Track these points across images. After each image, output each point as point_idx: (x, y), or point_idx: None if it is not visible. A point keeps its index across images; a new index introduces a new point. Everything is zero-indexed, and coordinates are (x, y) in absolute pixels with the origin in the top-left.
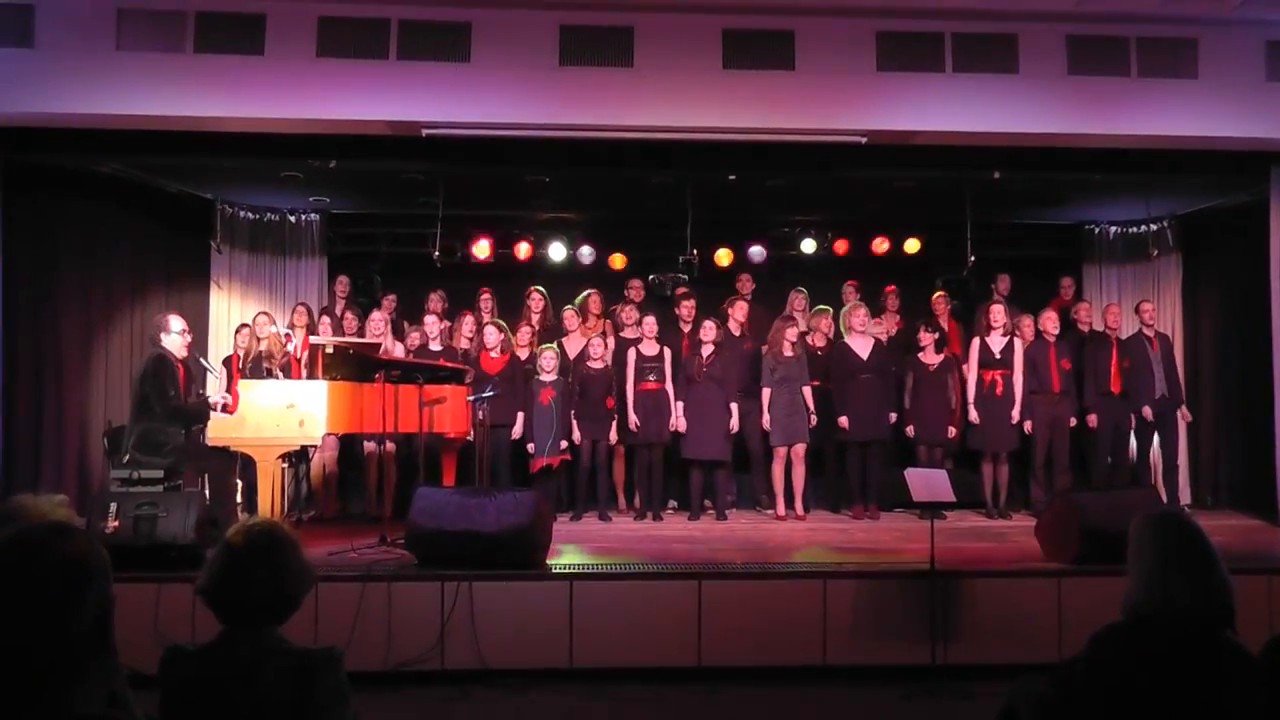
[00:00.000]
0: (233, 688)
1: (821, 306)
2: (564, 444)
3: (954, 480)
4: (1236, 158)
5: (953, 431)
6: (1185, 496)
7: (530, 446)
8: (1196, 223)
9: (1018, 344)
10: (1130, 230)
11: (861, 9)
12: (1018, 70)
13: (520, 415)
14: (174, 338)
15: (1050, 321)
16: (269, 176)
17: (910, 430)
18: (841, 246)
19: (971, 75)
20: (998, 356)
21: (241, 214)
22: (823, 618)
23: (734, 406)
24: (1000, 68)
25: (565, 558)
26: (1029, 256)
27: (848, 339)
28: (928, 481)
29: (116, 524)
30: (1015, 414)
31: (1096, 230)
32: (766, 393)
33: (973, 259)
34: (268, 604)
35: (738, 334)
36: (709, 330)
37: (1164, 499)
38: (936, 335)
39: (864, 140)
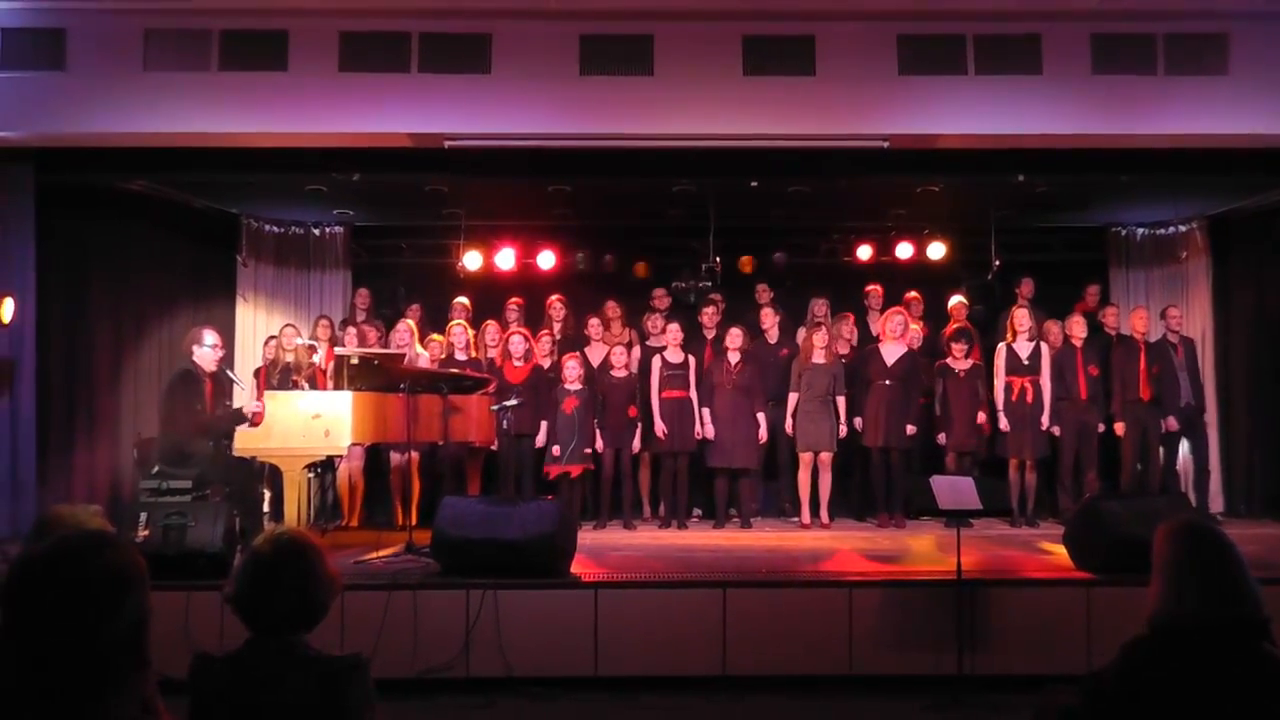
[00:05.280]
0: (261, 695)
1: (843, 313)
2: (586, 451)
3: (980, 488)
4: (1269, 155)
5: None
6: (1218, 505)
7: (555, 449)
8: (1227, 223)
9: (1044, 348)
10: (1158, 232)
11: (882, 13)
12: (1041, 71)
13: (544, 424)
14: (206, 351)
15: (1077, 326)
16: (294, 190)
17: (941, 438)
18: (865, 252)
19: (994, 77)
20: (1025, 363)
21: (267, 228)
22: (848, 627)
23: (762, 416)
24: (1023, 69)
25: (590, 566)
26: (1055, 260)
27: (880, 345)
28: (954, 489)
29: (146, 533)
30: (1045, 420)
31: (1123, 232)
32: (793, 398)
33: (998, 263)
34: (294, 612)
35: (774, 342)
36: (735, 338)
37: (1195, 507)
38: (966, 345)
39: (886, 145)
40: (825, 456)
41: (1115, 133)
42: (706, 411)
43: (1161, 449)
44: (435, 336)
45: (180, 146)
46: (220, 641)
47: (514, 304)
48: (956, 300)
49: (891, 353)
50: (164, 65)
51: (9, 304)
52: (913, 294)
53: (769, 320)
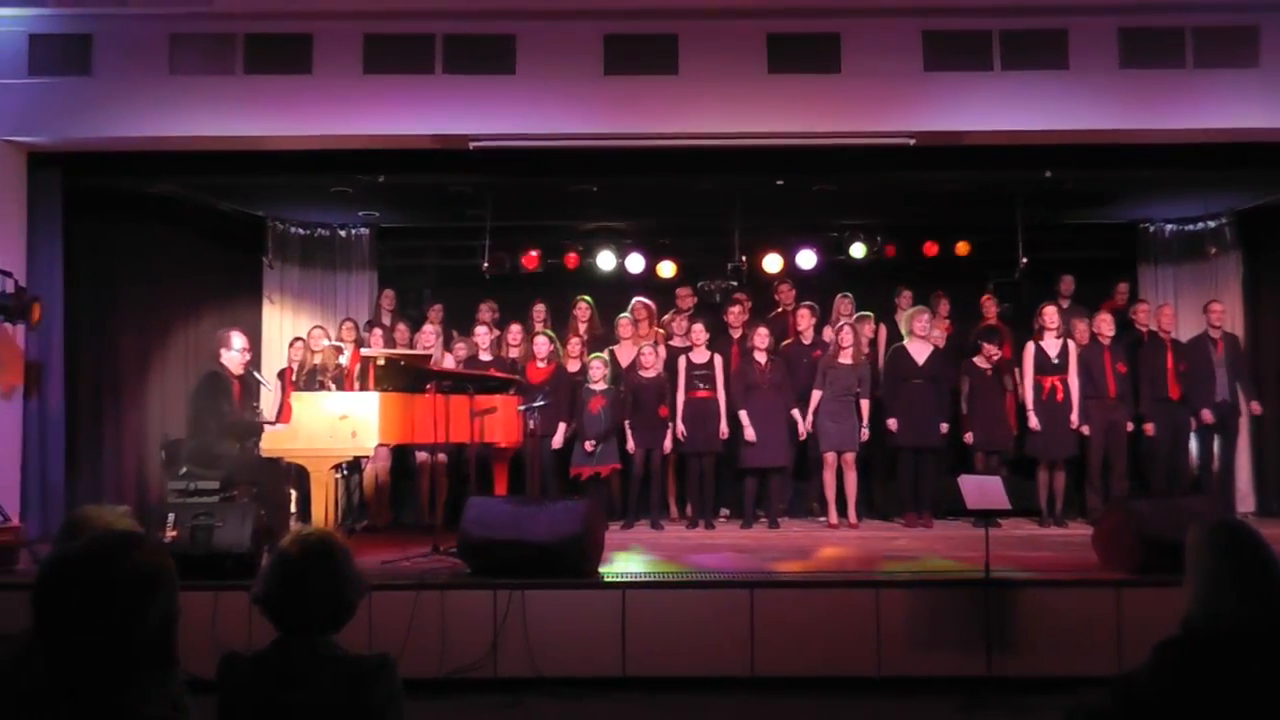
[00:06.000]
0: (288, 694)
1: (864, 313)
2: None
3: (1009, 487)
4: None
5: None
6: (1250, 504)
7: (588, 444)
8: (1257, 218)
9: (1072, 346)
10: (1187, 228)
11: (907, 9)
12: (1068, 66)
13: (562, 425)
14: (233, 354)
15: (1105, 324)
16: (319, 192)
17: (968, 437)
18: (891, 250)
19: (1021, 73)
20: (1055, 361)
21: (292, 230)
22: (876, 628)
23: (796, 412)
24: (1050, 64)
25: (617, 566)
26: (1082, 258)
27: (907, 343)
28: (982, 489)
29: (174, 533)
30: (1074, 418)
31: (1152, 229)
32: (816, 395)
33: (1024, 261)
34: (322, 611)
35: (808, 342)
36: (763, 337)
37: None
38: (996, 344)
39: (912, 142)
40: (849, 456)
41: (1143, 128)
42: (745, 414)
43: (1194, 446)
44: (457, 337)
45: (206, 150)
46: (248, 641)
47: (539, 307)
48: (986, 298)
49: (920, 351)
50: (189, 69)
51: (37, 307)
52: (940, 293)
53: (805, 321)
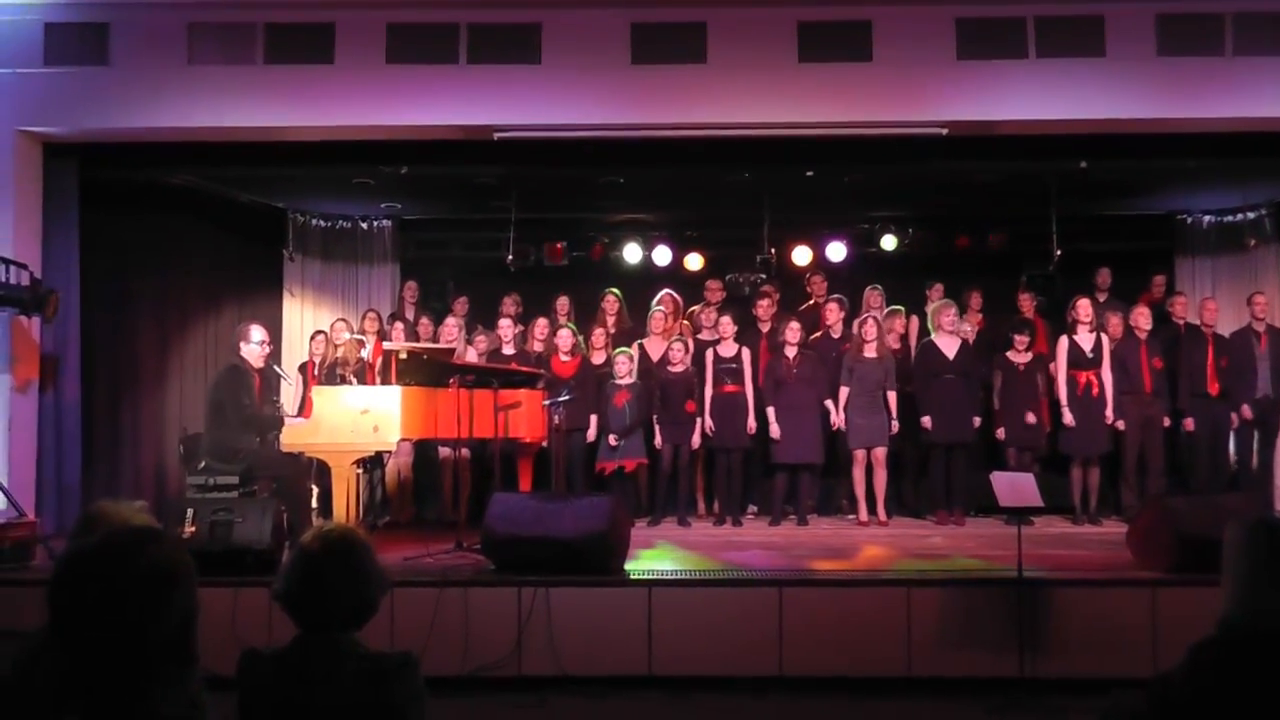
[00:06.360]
0: (309, 692)
1: (895, 306)
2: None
3: (1042, 484)
4: None
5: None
6: None
7: (611, 438)
8: None
9: (1105, 340)
10: (1225, 219)
11: None
12: (1105, 53)
13: (594, 418)
14: (253, 347)
15: (1142, 318)
16: (341, 184)
17: (1000, 433)
18: (923, 242)
19: (1056, 60)
20: (1089, 355)
21: (314, 222)
22: (906, 627)
23: (830, 403)
24: (1086, 51)
25: (643, 564)
26: (1118, 249)
27: (935, 338)
28: (1014, 486)
29: (193, 529)
30: (1109, 414)
31: (1189, 220)
32: (844, 392)
33: (1059, 253)
34: (343, 608)
35: (837, 337)
36: (794, 331)
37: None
38: (1028, 337)
39: (945, 132)
40: (879, 452)
41: (1181, 116)
42: (771, 411)
43: (1233, 443)
44: (480, 330)
45: (225, 141)
46: (268, 638)
47: (562, 300)
48: (1022, 293)
49: (949, 346)
50: (208, 59)
51: (53, 300)
52: (972, 286)
53: (834, 316)
